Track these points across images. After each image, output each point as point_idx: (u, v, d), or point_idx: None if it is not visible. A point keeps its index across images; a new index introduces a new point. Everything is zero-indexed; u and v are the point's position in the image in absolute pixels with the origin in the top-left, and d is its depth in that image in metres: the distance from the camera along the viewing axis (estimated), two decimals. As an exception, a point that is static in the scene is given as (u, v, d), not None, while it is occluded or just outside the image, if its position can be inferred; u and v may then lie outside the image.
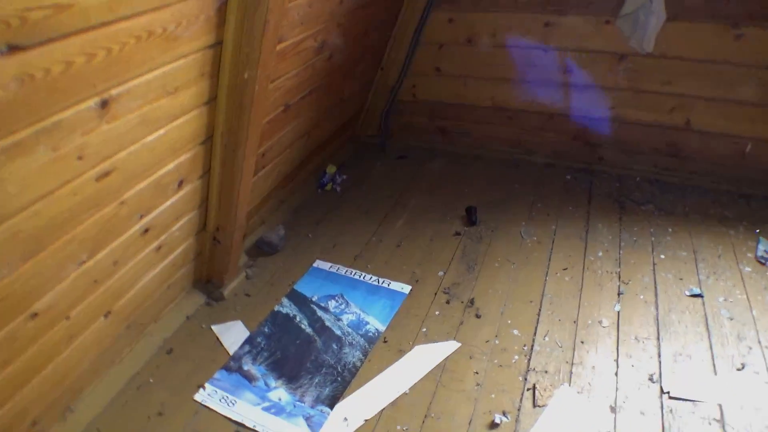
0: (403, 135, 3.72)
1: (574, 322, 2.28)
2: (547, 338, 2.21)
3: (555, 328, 2.26)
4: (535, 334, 2.24)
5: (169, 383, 2.09)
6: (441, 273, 2.58)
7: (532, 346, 2.18)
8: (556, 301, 2.39)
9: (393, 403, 1.97)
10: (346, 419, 1.91)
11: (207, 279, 2.46)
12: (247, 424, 1.91)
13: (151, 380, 2.11)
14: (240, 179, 2.02)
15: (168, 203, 1.84)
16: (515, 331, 2.25)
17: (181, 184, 1.86)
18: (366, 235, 2.87)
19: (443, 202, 3.10)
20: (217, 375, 2.10)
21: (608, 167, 3.35)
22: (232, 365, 2.14)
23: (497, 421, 1.88)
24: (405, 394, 2.00)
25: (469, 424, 1.89)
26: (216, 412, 1.97)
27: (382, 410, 1.95)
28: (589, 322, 2.28)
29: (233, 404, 1.98)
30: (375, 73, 3.47)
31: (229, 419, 1.94)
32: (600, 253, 2.66)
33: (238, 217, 2.17)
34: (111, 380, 2.05)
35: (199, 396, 2.02)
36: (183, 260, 2.19)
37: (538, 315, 2.32)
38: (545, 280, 2.51)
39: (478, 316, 2.33)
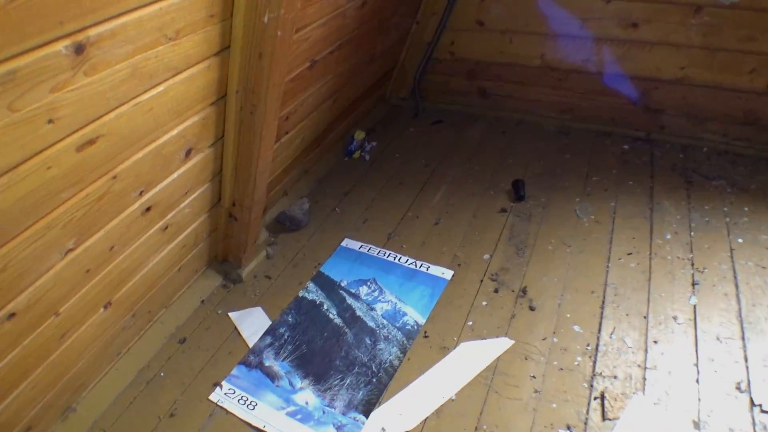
0: (438, 97, 3.35)
1: (644, 317, 1.97)
2: (613, 336, 1.91)
3: (622, 325, 1.94)
4: (599, 331, 1.93)
5: (182, 378, 1.85)
6: (486, 256, 2.27)
7: (597, 345, 1.88)
8: (621, 291, 2.07)
9: (437, 412, 1.70)
10: (383, 430, 1.64)
11: (223, 258, 2.19)
12: (269, 432, 1.66)
13: (162, 374, 1.87)
14: (259, 147, 1.71)
15: (173, 176, 1.54)
16: (576, 328, 1.94)
17: (188, 153, 1.56)
18: (400, 210, 2.56)
19: (486, 174, 2.76)
20: (235, 371, 1.85)
21: (671, 136, 2.96)
22: (252, 360, 1.88)
23: (561, 437, 1.60)
24: (451, 400, 1.73)
25: (528, 439, 1.61)
26: (234, 415, 1.72)
27: (425, 420, 1.68)
28: (662, 317, 1.96)
29: (253, 407, 1.73)
30: (409, 27, 3.09)
31: (249, 425, 1.69)
32: (668, 236, 2.31)
33: (257, 190, 1.87)
34: (117, 374, 1.82)
35: (215, 395, 1.77)
36: (195, 240, 1.91)
37: (602, 308, 2.01)
38: (607, 266, 2.19)
39: (532, 309, 2.02)
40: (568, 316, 1.99)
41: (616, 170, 2.74)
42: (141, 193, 1.44)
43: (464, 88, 3.26)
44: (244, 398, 1.76)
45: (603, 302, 2.03)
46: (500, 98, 3.21)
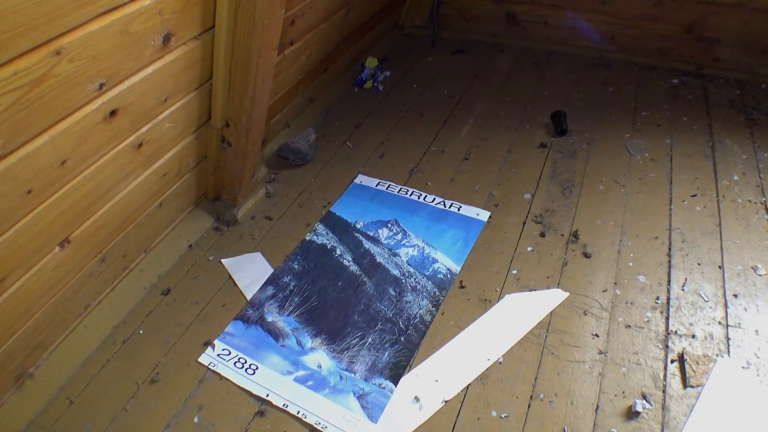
0: (459, 25, 2.94)
1: (719, 267, 1.65)
2: (686, 289, 1.59)
3: (695, 276, 1.62)
4: (669, 282, 1.61)
5: (166, 337, 1.52)
6: (527, 195, 1.92)
7: (668, 299, 1.56)
8: (689, 238, 1.74)
9: (482, 377, 1.38)
10: (417, 399, 1.32)
11: (215, 196, 1.83)
12: (274, 402, 1.33)
13: (141, 332, 1.54)
14: (260, 43, 1.33)
15: (147, 72, 1.16)
16: (641, 278, 1.62)
17: (167, 40, 1.18)
18: (422, 144, 2.19)
19: (519, 106, 2.39)
20: (230, 328, 1.51)
21: (725, 70, 2.60)
22: (251, 315, 1.55)
23: (638, 408, 1.29)
24: (498, 363, 1.41)
25: (596, 411, 1.30)
26: (229, 380, 1.39)
27: (468, 387, 1.36)
28: (739, 267, 1.65)
29: (253, 371, 1.40)
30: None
31: (249, 392, 1.36)
32: (735, 177, 1.98)
33: (256, 106, 1.50)
34: (86, 332, 1.48)
35: (206, 357, 1.44)
36: (179, 168, 1.54)
37: (669, 256, 1.69)
38: (670, 209, 1.85)
39: (586, 256, 1.69)
40: (631, 265, 1.66)
41: (667, 105, 2.39)
42: (101, 87, 1.06)
43: (490, 14, 2.84)
44: (241, 360, 1.43)
45: (669, 249, 1.71)
46: (531, 25, 2.81)
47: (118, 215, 1.38)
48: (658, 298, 1.56)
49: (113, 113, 1.13)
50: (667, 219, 1.82)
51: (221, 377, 1.41)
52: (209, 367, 1.42)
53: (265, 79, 1.46)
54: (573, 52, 2.76)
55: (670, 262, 1.67)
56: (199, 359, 1.44)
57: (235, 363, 1.42)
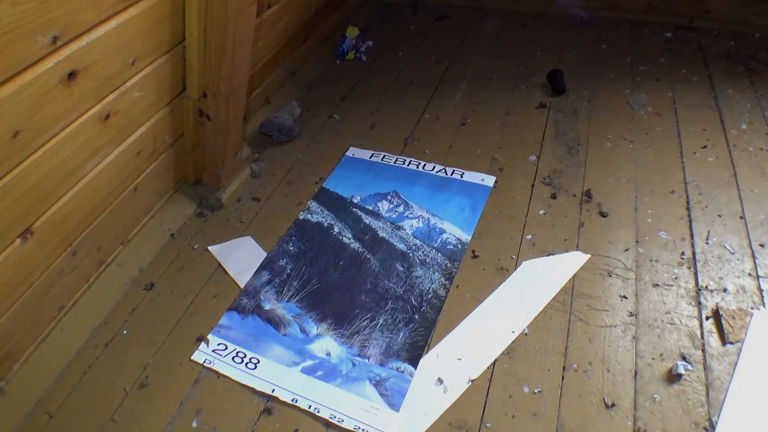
0: (440, -10, 2.80)
1: (741, 217, 1.56)
2: (710, 242, 1.49)
3: (717, 228, 1.53)
4: (692, 236, 1.51)
5: (152, 335, 1.36)
6: (533, 158, 1.80)
7: (694, 253, 1.46)
8: (705, 189, 1.65)
9: (508, 352, 1.26)
10: (440, 381, 1.19)
11: (195, 178, 1.67)
12: (281, 397, 1.19)
13: (125, 332, 1.38)
14: (238, 1, 1.17)
15: (109, 26, 1.00)
16: (662, 234, 1.52)
17: (130, -13, 1.01)
18: (414, 112, 2.06)
19: (512, 69, 2.27)
20: (224, 320, 1.36)
21: (718, 22, 2.52)
22: (246, 304, 1.40)
23: (680, 370, 1.18)
24: (524, 335, 1.29)
25: (636, 377, 1.19)
26: (228, 378, 1.25)
27: (494, 363, 1.24)
28: (761, 216, 1.56)
29: (255, 365, 1.26)
30: None
31: (252, 389, 1.22)
32: (743, 126, 1.90)
33: (236, 71, 1.34)
34: (62, 337, 1.32)
35: (201, 354, 1.29)
36: (153, 146, 1.38)
37: (688, 210, 1.59)
38: (682, 162, 1.76)
39: (603, 215, 1.58)
40: (650, 221, 1.56)
41: (663, 59, 2.29)
42: (55, 41, 0.89)
43: (471, -23, 2.71)
44: (240, 354, 1.28)
45: (688, 203, 1.61)
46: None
47: (87, 201, 1.22)
48: (683, 254, 1.46)
49: (72, 75, 0.97)
50: (680, 172, 1.72)
51: (219, 375, 1.26)
52: (204, 364, 1.27)
53: (245, 40, 1.30)
54: (561, 12, 2.65)
55: (689, 215, 1.57)
56: (193, 357, 1.29)
57: (233, 358, 1.28)
